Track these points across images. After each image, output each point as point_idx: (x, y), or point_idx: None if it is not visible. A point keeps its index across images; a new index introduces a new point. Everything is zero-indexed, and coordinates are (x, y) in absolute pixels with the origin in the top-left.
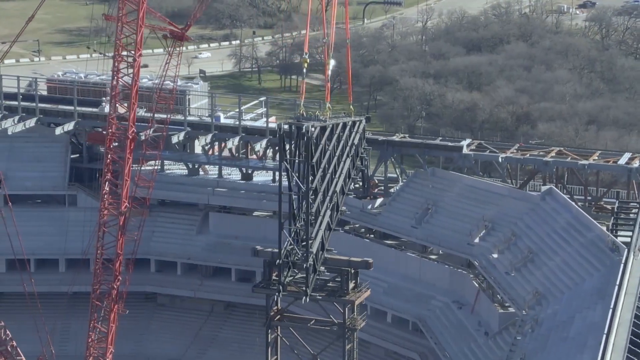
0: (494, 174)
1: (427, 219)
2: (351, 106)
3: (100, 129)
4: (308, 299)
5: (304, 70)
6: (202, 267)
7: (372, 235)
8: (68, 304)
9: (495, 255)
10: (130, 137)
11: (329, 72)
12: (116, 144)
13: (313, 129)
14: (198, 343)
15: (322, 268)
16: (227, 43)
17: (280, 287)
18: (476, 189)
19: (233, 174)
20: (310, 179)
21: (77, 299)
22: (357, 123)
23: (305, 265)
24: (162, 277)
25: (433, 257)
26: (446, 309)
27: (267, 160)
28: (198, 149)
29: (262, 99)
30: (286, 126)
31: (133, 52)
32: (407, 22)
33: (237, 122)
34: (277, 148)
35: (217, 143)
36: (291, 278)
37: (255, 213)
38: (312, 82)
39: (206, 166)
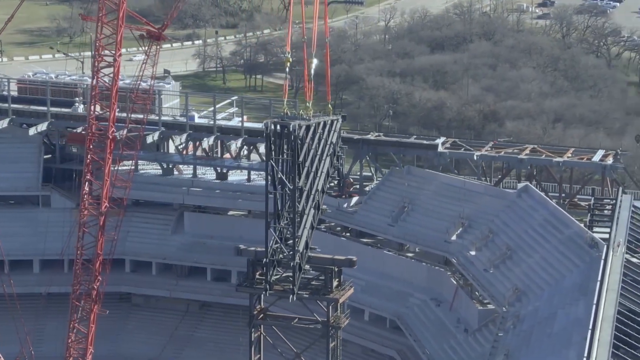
0: (464, 171)
1: (404, 217)
2: (330, 105)
3: (76, 130)
4: (295, 298)
5: (287, 69)
6: (177, 267)
7: (348, 234)
8: (42, 305)
9: (472, 253)
10: (111, 137)
11: (312, 72)
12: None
13: (299, 128)
14: (174, 343)
15: (307, 266)
16: (189, 43)
17: (267, 286)
18: (452, 186)
19: (207, 174)
20: (296, 178)
21: (51, 300)
22: (335, 122)
23: (292, 263)
24: (137, 277)
25: (410, 255)
26: (424, 307)
27: (242, 160)
28: (173, 149)
29: (234, 98)
30: (272, 125)
31: (114, 51)
32: (369, 21)
33: (211, 122)
34: (251, 147)
35: (191, 143)
36: (277, 277)
37: (230, 212)
38: (276, 82)
39: (180, 166)
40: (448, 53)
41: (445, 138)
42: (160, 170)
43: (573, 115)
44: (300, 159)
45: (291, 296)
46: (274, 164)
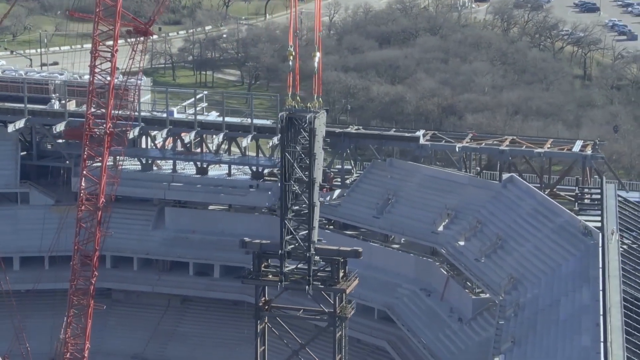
0: (441, 164)
1: (389, 209)
2: (320, 99)
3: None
4: (311, 289)
5: (290, 63)
6: (158, 262)
7: (331, 227)
8: (23, 301)
9: (461, 243)
10: (108, 132)
11: (316, 65)
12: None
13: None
14: (157, 338)
15: (317, 257)
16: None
17: (283, 278)
18: (436, 178)
19: (187, 169)
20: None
21: (31, 298)
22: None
23: (307, 254)
24: (118, 273)
25: (395, 246)
26: (414, 297)
27: (222, 155)
28: (149, 144)
29: (205, 92)
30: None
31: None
32: (312, 16)
33: (189, 117)
34: (233, 143)
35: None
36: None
37: (211, 207)
38: (226, 78)
39: (158, 161)
40: (397, 48)
41: (424, 130)
42: (139, 166)
43: (530, 108)
44: (315, 150)
45: (307, 287)
46: (289, 156)
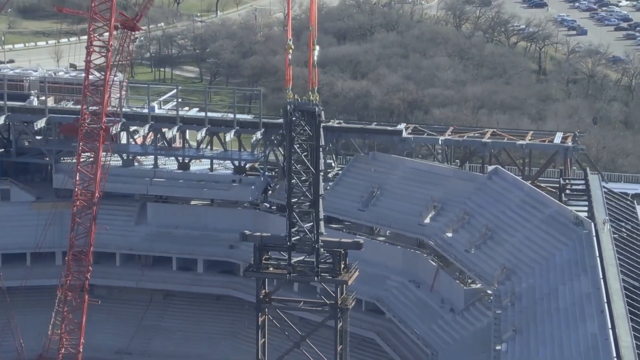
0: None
1: (374, 202)
2: (316, 92)
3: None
4: (320, 280)
5: (289, 57)
6: (141, 258)
7: None
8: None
9: (449, 235)
10: (103, 127)
11: (315, 59)
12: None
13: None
14: (141, 333)
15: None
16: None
17: (291, 269)
18: (420, 171)
19: (168, 164)
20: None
21: (15, 294)
22: None
23: (316, 246)
24: (101, 269)
25: (381, 238)
26: (403, 288)
27: (204, 150)
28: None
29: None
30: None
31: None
32: (265, 12)
33: (168, 112)
34: (214, 137)
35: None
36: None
37: (193, 202)
38: (184, 75)
39: (139, 157)
40: (354, 44)
41: (406, 124)
42: (120, 162)
43: (494, 102)
44: (322, 142)
45: (316, 278)
46: (297, 149)
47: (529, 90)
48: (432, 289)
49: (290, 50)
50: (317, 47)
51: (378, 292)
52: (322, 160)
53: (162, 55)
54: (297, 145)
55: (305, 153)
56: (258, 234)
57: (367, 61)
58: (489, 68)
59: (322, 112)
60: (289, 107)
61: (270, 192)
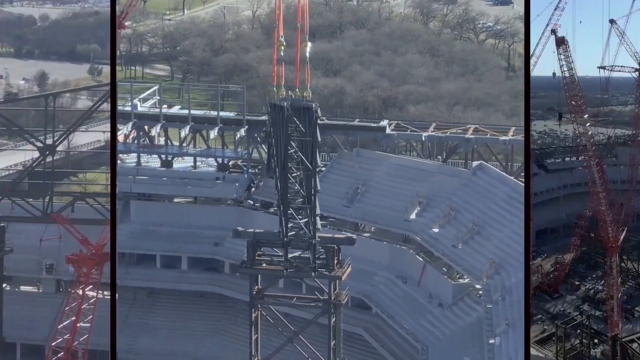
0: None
1: (359, 198)
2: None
3: None
4: (316, 276)
5: (281, 53)
6: (126, 256)
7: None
8: None
9: (436, 230)
10: None
11: (307, 55)
12: None
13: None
14: (127, 331)
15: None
16: None
17: (288, 265)
18: (404, 167)
19: (151, 162)
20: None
21: None
22: None
23: (312, 241)
24: None
25: (366, 234)
26: (391, 284)
27: (187, 147)
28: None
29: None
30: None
31: None
32: (232, 10)
33: (150, 110)
34: (197, 135)
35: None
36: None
37: (176, 200)
38: (155, 73)
39: (121, 155)
40: (325, 41)
41: (388, 120)
42: None
43: (469, 99)
44: (319, 139)
45: (313, 274)
46: (295, 146)
47: (501, 87)
48: (420, 284)
49: (282, 47)
50: (309, 44)
51: (365, 288)
52: (318, 156)
53: (133, 53)
54: (292, 142)
55: (296, 150)
56: (251, 230)
57: (339, 58)
58: (459, 65)
59: (319, 109)
60: (285, 104)
61: (253, 189)
